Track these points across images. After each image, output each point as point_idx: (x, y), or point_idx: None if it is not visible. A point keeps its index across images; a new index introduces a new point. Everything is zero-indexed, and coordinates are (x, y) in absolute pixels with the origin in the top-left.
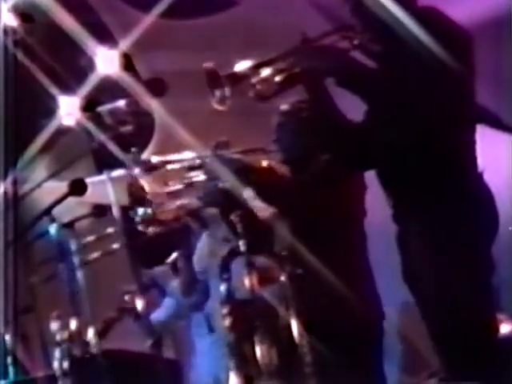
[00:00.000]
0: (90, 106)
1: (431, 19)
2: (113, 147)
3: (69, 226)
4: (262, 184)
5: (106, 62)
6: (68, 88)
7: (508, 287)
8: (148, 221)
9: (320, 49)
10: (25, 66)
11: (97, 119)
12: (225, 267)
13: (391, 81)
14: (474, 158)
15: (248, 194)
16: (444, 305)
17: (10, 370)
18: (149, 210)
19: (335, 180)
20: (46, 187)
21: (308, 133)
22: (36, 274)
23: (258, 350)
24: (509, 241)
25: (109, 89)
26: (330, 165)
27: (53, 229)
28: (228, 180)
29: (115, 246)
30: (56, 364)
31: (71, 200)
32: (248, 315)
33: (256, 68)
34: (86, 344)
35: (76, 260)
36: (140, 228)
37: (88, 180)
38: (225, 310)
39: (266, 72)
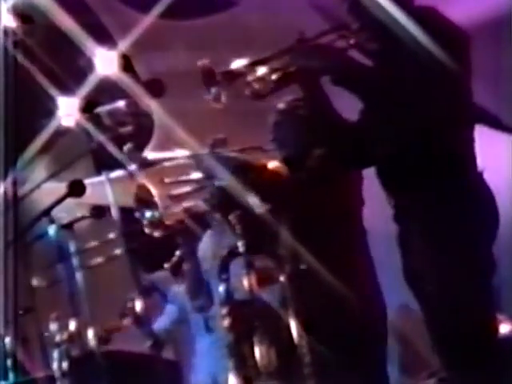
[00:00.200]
0: (89, 107)
1: (428, 18)
2: (112, 148)
3: (68, 226)
4: (260, 183)
5: (105, 62)
6: (67, 89)
7: (508, 287)
8: (155, 224)
9: (316, 47)
10: (24, 67)
11: (96, 120)
12: (224, 268)
13: (388, 80)
14: (474, 158)
15: (253, 201)
16: (444, 305)
17: (10, 371)
18: (156, 214)
19: (332, 178)
20: (45, 188)
21: (305, 131)
22: (39, 276)
23: (257, 351)
24: (509, 241)
25: (108, 90)
26: (327, 162)
27: (52, 230)
28: (225, 179)
29: (117, 251)
30: (55, 365)
31: (70, 201)
32: (247, 316)
33: (252, 66)
34: (85, 345)
35: (75, 261)
36: (146, 231)
37: (87, 181)
38: (224, 311)
39: (261, 70)
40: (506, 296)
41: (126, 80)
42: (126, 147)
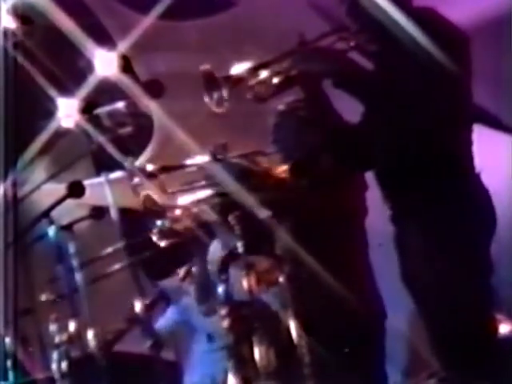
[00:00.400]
0: (88, 108)
1: (427, 20)
2: (111, 149)
3: (67, 228)
4: (262, 187)
5: (105, 63)
6: (67, 90)
7: (508, 287)
8: (164, 232)
9: (317, 51)
10: (24, 68)
11: (95, 121)
12: (223, 269)
13: (387, 81)
14: (472, 159)
15: (256, 206)
16: (443, 305)
17: (10, 371)
18: (166, 223)
19: (334, 181)
20: (44, 189)
21: (306, 132)
22: (46, 291)
23: (257, 352)
24: (508, 241)
25: (107, 91)
26: (329, 165)
27: (51, 231)
28: (228, 185)
29: (121, 263)
30: (54, 366)
31: (70, 202)
32: (246, 316)
33: (253, 70)
34: (85, 346)
35: (74, 262)
36: (155, 239)
37: (86, 182)
38: (223, 312)
39: (263, 74)
40: (505, 296)
41: (125, 81)
42: (128, 160)
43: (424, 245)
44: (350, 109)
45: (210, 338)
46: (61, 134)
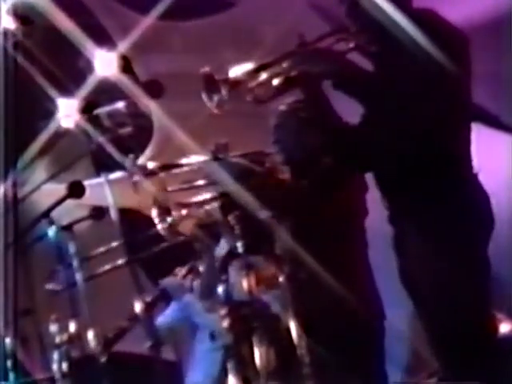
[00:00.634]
0: (88, 108)
1: (427, 20)
2: (111, 149)
3: (67, 228)
4: (262, 187)
5: (105, 64)
6: (67, 90)
7: (508, 286)
8: (172, 229)
9: (317, 52)
10: (24, 68)
11: (95, 121)
12: (223, 268)
13: (388, 83)
14: (471, 159)
15: (264, 213)
16: (442, 305)
17: (10, 372)
18: (175, 220)
19: (334, 181)
20: (44, 189)
21: (306, 133)
22: (52, 280)
23: (257, 352)
24: (508, 241)
25: (107, 91)
26: (329, 166)
27: (51, 231)
28: (228, 185)
29: (122, 260)
30: (55, 366)
31: (69, 202)
32: (246, 316)
33: (253, 72)
34: (86, 346)
35: (75, 262)
36: (164, 234)
37: (86, 182)
38: (223, 311)
39: (263, 76)
40: (505, 295)
41: (125, 81)
42: (128, 159)
43: (423, 245)
44: (350, 110)
45: (213, 336)
46: (61, 134)
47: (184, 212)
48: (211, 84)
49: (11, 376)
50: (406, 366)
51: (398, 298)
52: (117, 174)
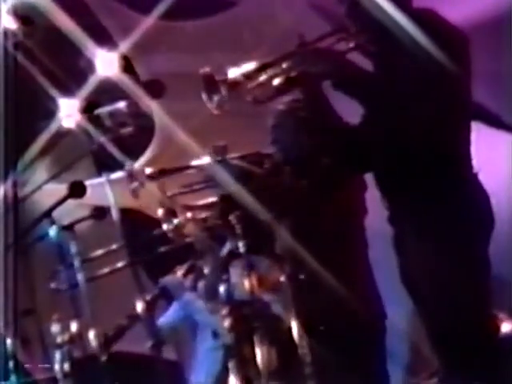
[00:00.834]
0: (89, 108)
1: (427, 20)
2: (112, 149)
3: (68, 228)
4: (262, 188)
5: (106, 64)
6: (68, 90)
7: (508, 286)
8: (177, 231)
9: (317, 52)
10: (25, 68)
11: (96, 121)
12: (224, 268)
13: (387, 82)
14: (471, 159)
15: (264, 214)
16: (442, 305)
17: (12, 372)
18: (181, 221)
19: (334, 181)
20: (45, 189)
21: (304, 132)
22: (56, 279)
23: (258, 351)
24: (508, 240)
25: (108, 91)
26: (328, 166)
27: (53, 231)
28: (228, 187)
29: (123, 261)
30: (57, 366)
31: (71, 202)
32: (248, 316)
33: (253, 72)
34: (87, 346)
35: (76, 262)
36: (170, 235)
37: (87, 182)
38: (224, 311)
39: (263, 76)
40: (506, 295)
41: (126, 81)
42: (127, 165)
43: (423, 245)
44: (350, 110)
45: (215, 334)
46: (62, 134)
47: (189, 214)
48: (211, 84)
49: (12, 376)
50: (407, 365)
51: (399, 298)
52: (118, 174)
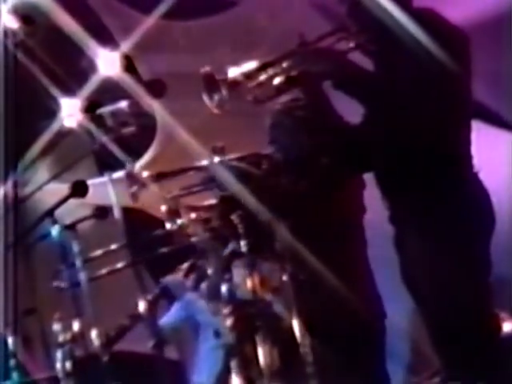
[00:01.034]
0: (91, 108)
1: (427, 20)
2: (114, 149)
3: (71, 227)
4: (261, 188)
5: (107, 63)
6: (69, 90)
7: (509, 286)
8: (181, 232)
9: (317, 52)
10: (26, 67)
11: (98, 121)
12: (226, 267)
13: (388, 82)
14: (471, 159)
15: (263, 214)
16: (443, 304)
17: (13, 371)
18: (185, 222)
19: (333, 181)
20: (47, 189)
21: (303, 132)
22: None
23: (260, 351)
24: (509, 240)
25: (110, 90)
26: (328, 166)
27: (55, 231)
28: (228, 187)
29: (125, 261)
30: (58, 365)
31: (73, 202)
32: (250, 315)
33: (254, 72)
34: (89, 345)
35: (78, 261)
36: (174, 235)
37: (89, 181)
38: (226, 311)
39: (263, 76)
40: (507, 294)
41: (128, 80)
42: (126, 168)
43: (424, 244)
44: (350, 110)
45: (217, 333)
46: (64, 133)
47: (193, 215)
48: (212, 84)
49: (14, 375)
50: (409, 365)
51: (400, 297)
52: (120, 174)
